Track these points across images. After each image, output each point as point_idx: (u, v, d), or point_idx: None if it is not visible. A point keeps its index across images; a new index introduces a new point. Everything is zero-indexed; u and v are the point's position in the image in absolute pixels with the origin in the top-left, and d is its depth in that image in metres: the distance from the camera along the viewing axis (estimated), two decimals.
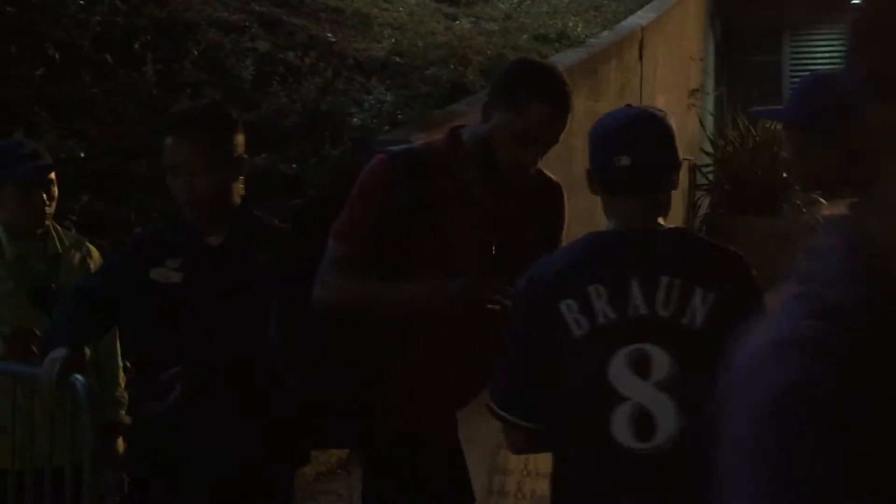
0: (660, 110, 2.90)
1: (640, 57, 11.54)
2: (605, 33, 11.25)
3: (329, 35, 9.68)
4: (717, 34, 18.60)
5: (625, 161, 2.73)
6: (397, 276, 3.25)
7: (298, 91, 8.38)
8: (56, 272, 4.25)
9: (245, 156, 3.83)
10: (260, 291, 3.52)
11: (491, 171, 3.27)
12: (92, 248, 4.52)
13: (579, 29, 11.20)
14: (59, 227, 4.42)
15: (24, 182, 4.15)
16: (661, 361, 2.62)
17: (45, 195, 4.19)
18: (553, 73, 3.32)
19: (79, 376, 3.55)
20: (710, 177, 15.01)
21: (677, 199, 13.62)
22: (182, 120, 3.79)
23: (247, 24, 9.35)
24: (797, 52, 20.56)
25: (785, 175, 3.21)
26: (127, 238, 6.51)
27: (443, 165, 3.31)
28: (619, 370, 2.63)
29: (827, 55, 20.40)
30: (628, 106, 2.98)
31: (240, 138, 3.77)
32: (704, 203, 14.61)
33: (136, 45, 8.25)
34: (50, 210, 4.24)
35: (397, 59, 9.41)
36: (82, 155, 6.94)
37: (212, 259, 3.67)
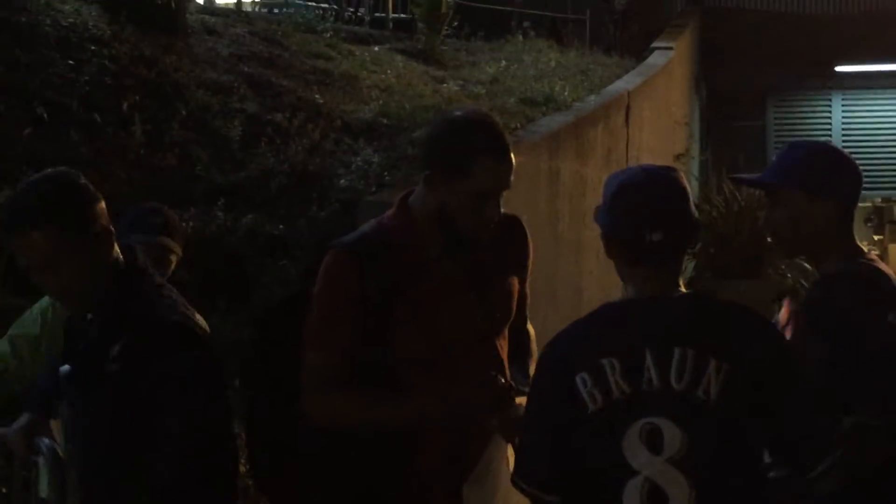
0: (673, 168, 2.82)
1: (627, 121, 11.61)
2: (592, 97, 11.32)
3: (317, 97, 9.73)
4: (702, 99, 18.74)
5: (657, 237, 2.66)
6: (385, 364, 3.12)
7: (286, 152, 8.40)
8: None
9: (106, 227, 3.08)
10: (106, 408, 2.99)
11: (453, 238, 3.15)
12: None
13: (566, 93, 11.26)
14: None
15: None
16: (674, 436, 2.57)
17: None
18: (482, 121, 3.19)
19: (45, 439, 3.52)
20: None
21: None
22: (9, 215, 3.02)
23: (235, 85, 9.39)
24: (781, 117, 20.69)
25: (769, 239, 3.20)
26: None
27: (403, 245, 3.16)
28: (631, 444, 2.59)
29: (811, 119, 20.53)
30: (645, 169, 2.85)
31: (96, 209, 3.06)
32: (689, 267, 14.63)
33: (125, 105, 8.27)
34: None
35: (385, 120, 9.45)
36: None
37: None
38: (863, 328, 3.00)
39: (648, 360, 2.60)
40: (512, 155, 3.17)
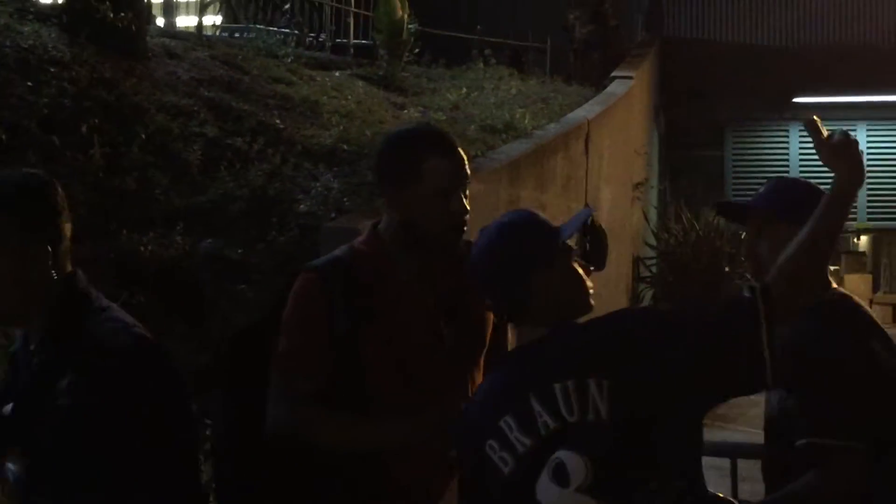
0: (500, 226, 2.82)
1: (586, 150, 11.66)
2: (552, 125, 11.36)
3: (278, 121, 9.72)
4: (661, 128, 18.86)
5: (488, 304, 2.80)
6: (355, 387, 3.12)
7: (246, 176, 8.38)
8: None
9: (65, 244, 2.82)
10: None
11: (424, 255, 3.17)
12: None
13: (526, 121, 11.30)
14: None
15: None
16: (577, 466, 2.56)
17: None
18: (420, 127, 3.27)
19: (11, 465, 3.39)
20: (654, 269, 15.12)
21: (621, 291, 13.74)
22: None
23: (195, 108, 9.37)
24: (740, 148, 20.85)
25: (747, 271, 3.23)
26: None
27: (373, 269, 3.18)
28: (543, 486, 2.58)
29: (769, 150, 20.69)
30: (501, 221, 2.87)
31: (61, 218, 2.81)
32: (647, 295, 14.71)
33: (84, 128, 8.22)
34: None
35: (345, 146, 9.44)
36: None
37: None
38: (848, 356, 3.02)
39: (536, 407, 2.60)
40: (460, 150, 3.20)
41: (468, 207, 3.19)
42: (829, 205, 2.71)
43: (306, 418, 3.09)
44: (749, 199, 3.46)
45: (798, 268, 2.66)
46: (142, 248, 7.32)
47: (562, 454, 2.57)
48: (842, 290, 3.25)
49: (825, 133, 2.77)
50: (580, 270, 2.77)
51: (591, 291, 2.77)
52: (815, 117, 2.79)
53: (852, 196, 2.76)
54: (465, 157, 3.21)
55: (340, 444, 3.11)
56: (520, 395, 2.64)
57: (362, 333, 3.10)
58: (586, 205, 10.94)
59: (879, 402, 3.00)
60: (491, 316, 3.31)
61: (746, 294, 2.62)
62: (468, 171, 3.21)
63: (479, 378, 3.26)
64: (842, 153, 2.73)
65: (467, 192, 3.21)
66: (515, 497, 2.62)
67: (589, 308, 2.77)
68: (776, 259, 2.83)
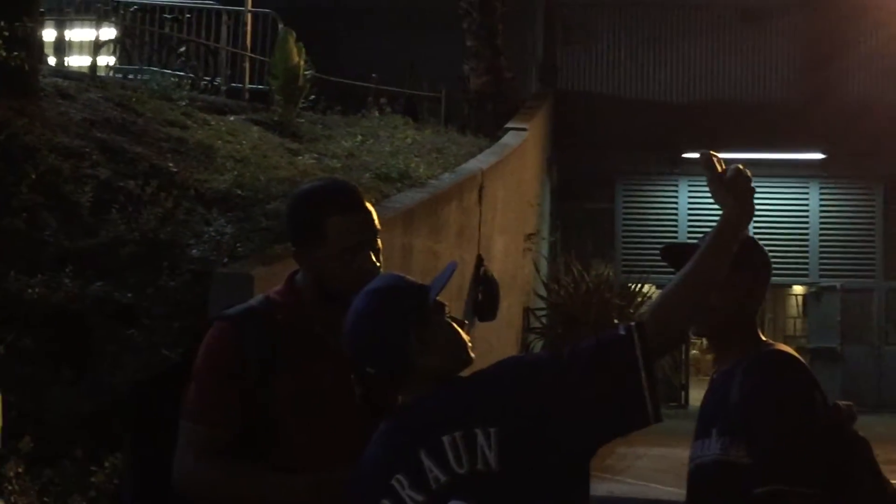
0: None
1: (480, 199, 11.75)
2: (447, 175, 11.45)
3: (171, 165, 9.65)
4: (553, 180, 19.07)
5: (371, 370, 2.76)
6: (265, 439, 3.08)
7: (137, 220, 8.30)
8: None
9: None
10: None
11: (337, 310, 3.19)
12: None
13: (421, 170, 11.36)
14: None
15: None
16: None
17: None
18: (326, 185, 3.24)
19: None
20: (544, 320, 15.24)
21: (511, 341, 13.82)
22: None
23: (87, 150, 9.27)
24: (630, 200, 21.14)
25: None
26: None
27: (288, 320, 3.14)
28: None
29: (658, 203, 21.02)
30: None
31: None
32: (537, 346, 14.81)
33: None
34: None
35: (239, 191, 9.41)
36: None
37: None
38: (796, 407, 3.07)
39: (426, 462, 2.61)
40: (367, 204, 3.18)
41: (378, 263, 3.18)
42: (715, 237, 2.73)
43: (212, 468, 3.05)
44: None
45: (679, 301, 2.68)
46: (29, 290, 7.21)
47: (453, 503, 2.58)
48: (772, 342, 3.30)
49: (720, 168, 2.79)
50: (455, 325, 2.78)
51: (469, 344, 2.77)
52: (710, 152, 2.81)
53: (740, 229, 2.77)
54: (372, 213, 3.18)
55: (245, 498, 3.07)
56: (410, 451, 2.64)
57: (274, 384, 3.07)
58: (480, 255, 11.01)
59: (825, 449, 3.09)
60: None
61: (622, 332, 2.63)
62: (377, 227, 3.19)
63: None
64: (734, 187, 2.76)
65: (379, 246, 3.19)
66: None
67: (469, 361, 2.77)
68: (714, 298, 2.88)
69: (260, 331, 3.10)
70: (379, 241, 3.21)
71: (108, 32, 15.28)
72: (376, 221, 3.21)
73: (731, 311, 3.22)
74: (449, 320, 2.77)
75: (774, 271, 3.51)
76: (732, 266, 2.79)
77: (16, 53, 9.19)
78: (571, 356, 2.66)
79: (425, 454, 2.62)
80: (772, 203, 19.90)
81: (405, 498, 2.62)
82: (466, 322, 2.88)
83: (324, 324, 3.16)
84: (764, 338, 3.30)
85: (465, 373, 2.76)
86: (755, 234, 21.04)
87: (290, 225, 3.23)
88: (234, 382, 3.07)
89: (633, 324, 2.65)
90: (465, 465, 2.59)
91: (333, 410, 3.12)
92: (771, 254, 3.45)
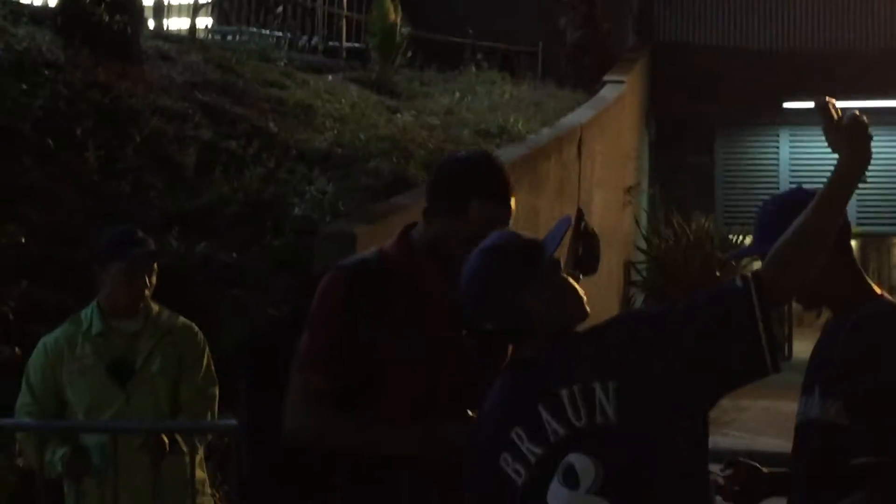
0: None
1: (579, 154, 11.69)
2: (546, 130, 11.39)
3: (272, 125, 9.73)
4: (651, 133, 18.89)
5: (488, 326, 2.77)
6: (373, 394, 3.11)
7: (240, 180, 8.39)
8: (134, 349, 4.52)
9: None
10: None
11: (449, 268, 3.11)
12: (190, 330, 4.75)
13: (520, 125, 11.32)
14: (159, 309, 4.66)
15: (130, 264, 4.51)
16: (586, 468, 2.57)
17: (147, 279, 4.55)
18: (484, 165, 3.19)
19: None
20: (645, 274, 15.15)
21: (612, 295, 13.77)
22: None
23: (190, 112, 9.38)
24: (729, 153, 20.88)
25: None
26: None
27: (401, 275, 3.16)
28: (554, 491, 2.60)
29: (758, 156, 20.75)
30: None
31: None
32: (639, 299, 14.74)
33: (79, 131, 8.24)
34: (148, 293, 4.58)
35: (339, 150, 9.47)
36: (22, 240, 6.90)
37: None
38: None
39: (544, 415, 2.62)
40: (512, 201, 3.18)
41: None
42: (831, 187, 2.68)
43: (322, 417, 3.09)
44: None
45: (795, 252, 2.63)
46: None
47: (571, 457, 2.59)
48: (886, 296, 3.08)
49: (836, 115, 2.72)
50: (571, 280, 2.78)
51: (584, 298, 2.77)
52: (826, 98, 2.73)
53: (856, 178, 2.71)
54: (513, 203, 3.18)
55: (354, 446, 3.12)
56: (528, 405, 2.66)
57: (384, 336, 3.10)
58: (580, 209, 10.95)
59: None
60: None
61: (739, 284, 2.61)
62: (511, 215, 3.19)
63: None
64: (851, 134, 2.70)
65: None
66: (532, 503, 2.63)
67: (585, 315, 2.77)
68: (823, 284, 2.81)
69: (373, 282, 3.13)
70: None
71: None
72: (513, 210, 3.19)
73: (825, 282, 2.97)
74: (565, 276, 2.77)
75: (881, 221, 3.37)
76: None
77: (118, 17, 9.32)
78: (688, 309, 2.65)
79: (543, 408, 2.63)
80: (874, 152, 19.52)
81: (525, 452, 2.64)
82: (581, 276, 2.88)
83: (435, 279, 3.17)
84: (879, 290, 3.10)
85: (581, 328, 2.76)
86: (863, 184, 20.65)
87: (435, 186, 3.22)
88: (346, 332, 3.10)
89: (749, 275, 2.61)
90: (584, 418, 2.60)
91: (441, 365, 3.15)
92: (874, 203, 3.31)
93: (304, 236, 7.56)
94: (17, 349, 6.25)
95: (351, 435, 3.12)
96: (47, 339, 4.63)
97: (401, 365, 3.13)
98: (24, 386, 4.58)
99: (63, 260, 7.03)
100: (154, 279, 4.61)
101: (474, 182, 3.14)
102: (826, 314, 3.22)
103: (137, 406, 4.48)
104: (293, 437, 3.11)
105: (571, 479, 2.59)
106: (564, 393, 2.62)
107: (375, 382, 3.12)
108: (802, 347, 19.20)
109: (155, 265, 4.64)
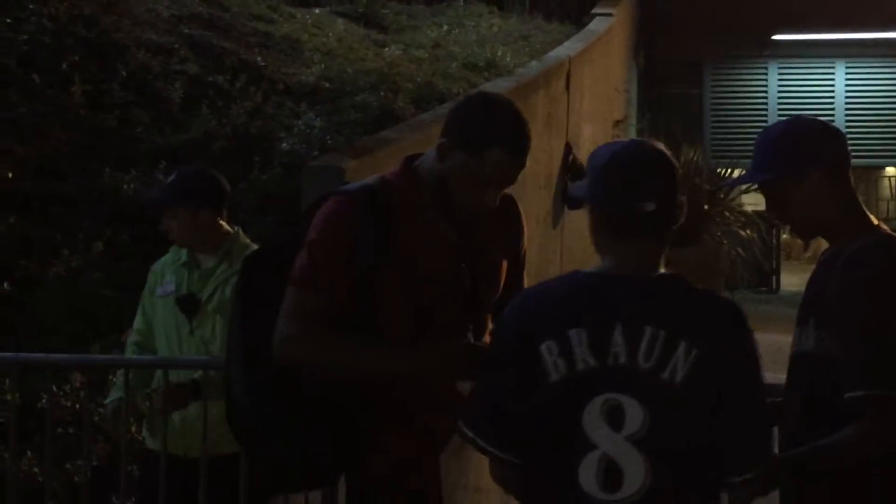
0: (660, 144, 2.78)
1: (567, 87, 11.65)
2: (534, 63, 11.34)
3: (259, 59, 9.68)
4: (640, 66, 18.84)
5: (650, 207, 2.64)
6: (367, 321, 3.12)
7: (227, 115, 8.36)
8: (204, 284, 4.63)
9: None
10: None
11: (451, 207, 3.16)
12: None
13: (508, 58, 11.28)
14: (240, 243, 4.73)
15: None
16: (635, 415, 2.56)
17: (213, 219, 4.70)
18: (510, 113, 3.16)
19: None
20: None
21: None
22: None
23: (176, 46, 9.32)
24: (718, 85, 20.87)
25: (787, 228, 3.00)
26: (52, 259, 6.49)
27: (404, 203, 3.17)
28: (592, 418, 2.57)
29: (747, 88, 20.73)
30: (636, 142, 2.85)
31: None
32: None
33: (65, 65, 8.20)
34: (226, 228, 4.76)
35: (327, 84, 9.43)
36: (9, 175, 6.89)
37: None
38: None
39: (617, 335, 2.59)
40: (527, 154, 3.16)
41: (497, 202, 3.19)
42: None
43: (314, 334, 3.08)
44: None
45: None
46: (125, 186, 7.33)
47: (622, 398, 2.57)
48: (885, 229, 3.06)
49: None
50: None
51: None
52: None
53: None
54: (526, 162, 3.16)
55: (348, 364, 3.11)
56: (605, 317, 2.61)
57: (383, 263, 3.10)
58: (568, 144, 10.96)
59: None
60: (505, 264, 3.32)
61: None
62: (518, 177, 3.19)
63: (488, 324, 3.26)
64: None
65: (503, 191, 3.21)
66: (558, 409, 2.61)
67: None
68: (795, 212, 2.88)
69: (376, 209, 3.13)
70: None
71: None
72: (522, 171, 3.19)
73: (822, 213, 3.02)
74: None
75: (866, 153, 3.38)
76: (795, 178, 2.89)
77: None
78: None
79: (619, 329, 2.60)
80: (862, 84, 19.53)
81: (577, 354, 2.61)
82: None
83: (438, 212, 3.19)
84: (876, 221, 3.07)
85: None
86: (846, 116, 20.75)
87: (456, 122, 3.18)
88: (345, 255, 3.10)
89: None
90: (652, 363, 2.58)
91: (435, 297, 3.16)
92: (862, 136, 3.32)
93: (292, 171, 7.55)
94: (4, 284, 6.27)
95: (342, 351, 3.11)
96: (155, 264, 4.84)
97: (396, 295, 3.13)
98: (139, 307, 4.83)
99: (50, 194, 7.03)
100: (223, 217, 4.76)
101: (501, 129, 3.12)
102: (814, 247, 3.22)
103: (198, 341, 4.57)
104: (282, 353, 3.10)
105: (615, 419, 2.57)
106: (649, 330, 2.59)
107: (370, 310, 3.12)
108: (790, 280, 19.33)
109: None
